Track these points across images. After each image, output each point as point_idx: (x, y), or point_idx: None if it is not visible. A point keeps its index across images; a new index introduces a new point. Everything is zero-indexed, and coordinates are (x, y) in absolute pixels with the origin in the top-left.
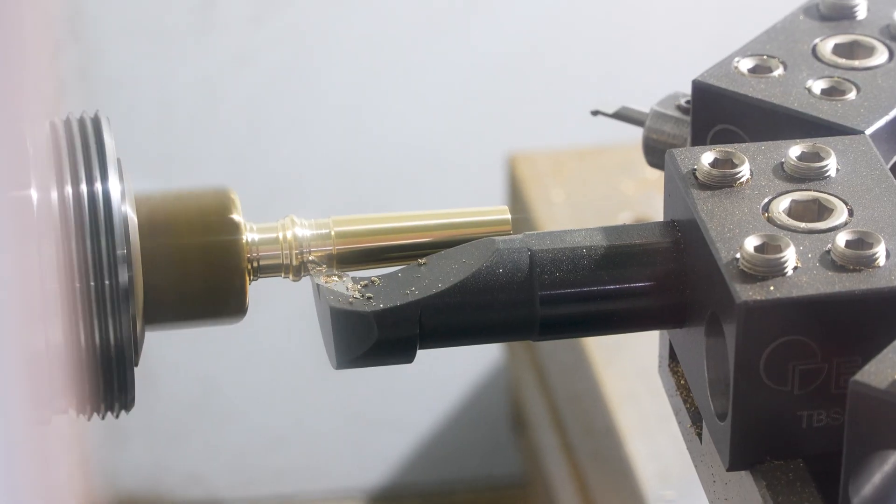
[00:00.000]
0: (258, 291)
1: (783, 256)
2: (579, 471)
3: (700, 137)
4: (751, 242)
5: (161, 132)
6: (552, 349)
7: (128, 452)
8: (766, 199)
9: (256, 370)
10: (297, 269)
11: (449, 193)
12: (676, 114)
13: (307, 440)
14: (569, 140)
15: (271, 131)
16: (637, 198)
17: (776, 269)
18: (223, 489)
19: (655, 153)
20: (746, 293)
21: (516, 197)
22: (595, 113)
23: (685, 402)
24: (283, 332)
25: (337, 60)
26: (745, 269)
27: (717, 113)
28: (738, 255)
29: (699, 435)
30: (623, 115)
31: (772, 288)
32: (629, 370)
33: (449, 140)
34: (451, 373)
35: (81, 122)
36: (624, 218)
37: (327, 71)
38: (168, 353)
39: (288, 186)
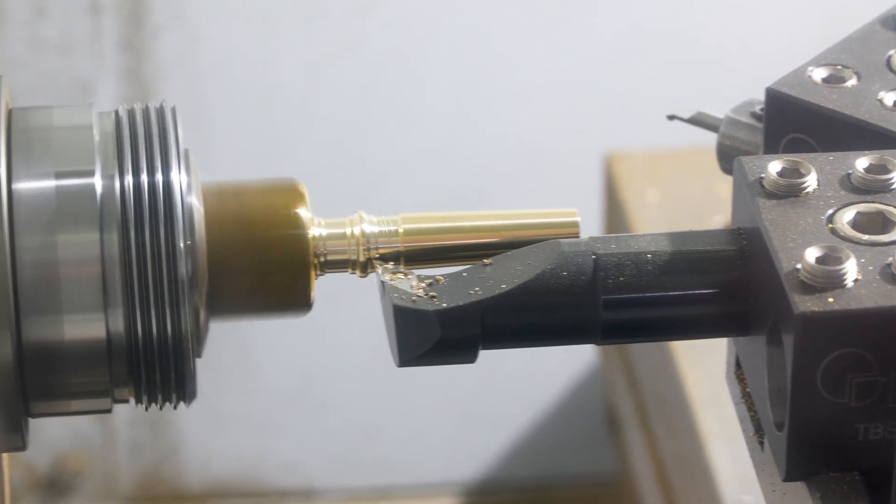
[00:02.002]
0: (359, 284)
1: (843, 268)
2: (663, 472)
3: (772, 145)
4: (812, 253)
5: (263, 119)
6: (642, 349)
7: (225, 439)
8: (831, 211)
9: (355, 362)
10: (364, 266)
11: (545, 190)
12: (750, 121)
13: (404, 432)
14: (666, 141)
15: (374, 121)
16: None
17: (836, 281)
18: (319, 479)
19: (729, 159)
20: (805, 304)
21: (612, 196)
22: (671, 118)
23: (749, 410)
24: (382, 324)
25: (440, 53)
26: (805, 280)
27: (789, 121)
28: (798, 266)
29: (761, 444)
30: (698, 121)
31: (830, 300)
32: (714, 373)
33: (548, 137)
34: (549, 369)
35: (153, 111)
36: (717, 220)
37: (430, 63)
38: (269, 343)
39: (389, 176)
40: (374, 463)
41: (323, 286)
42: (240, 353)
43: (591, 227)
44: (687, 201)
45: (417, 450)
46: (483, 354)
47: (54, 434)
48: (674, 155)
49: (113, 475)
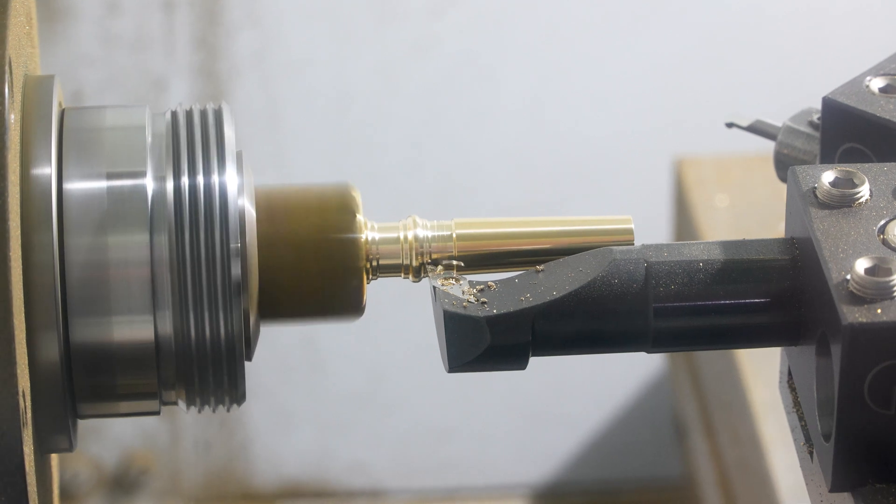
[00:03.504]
0: (427, 285)
1: (892, 280)
2: (725, 477)
3: (829, 154)
4: (861, 264)
5: (336, 120)
6: (707, 355)
7: (294, 439)
8: (883, 221)
9: (423, 363)
10: (417, 271)
11: (615, 193)
12: (808, 130)
13: (472, 434)
14: (736, 147)
15: (445, 123)
16: None
17: (885, 292)
18: (387, 479)
19: (786, 168)
20: (853, 315)
21: (681, 200)
22: (730, 125)
23: (800, 419)
24: None
25: (512, 56)
26: (855, 291)
27: (845, 131)
28: (848, 276)
29: (811, 453)
30: (757, 129)
31: (879, 311)
32: (777, 380)
33: (619, 140)
34: (617, 374)
35: (203, 113)
36: (784, 227)
37: (502, 65)
38: (337, 343)
39: (460, 178)
40: (442, 464)
41: (391, 286)
42: (308, 353)
43: (660, 230)
44: (755, 207)
45: (486, 452)
46: (552, 358)
47: (122, 431)
48: (743, 160)
49: (180, 473)
